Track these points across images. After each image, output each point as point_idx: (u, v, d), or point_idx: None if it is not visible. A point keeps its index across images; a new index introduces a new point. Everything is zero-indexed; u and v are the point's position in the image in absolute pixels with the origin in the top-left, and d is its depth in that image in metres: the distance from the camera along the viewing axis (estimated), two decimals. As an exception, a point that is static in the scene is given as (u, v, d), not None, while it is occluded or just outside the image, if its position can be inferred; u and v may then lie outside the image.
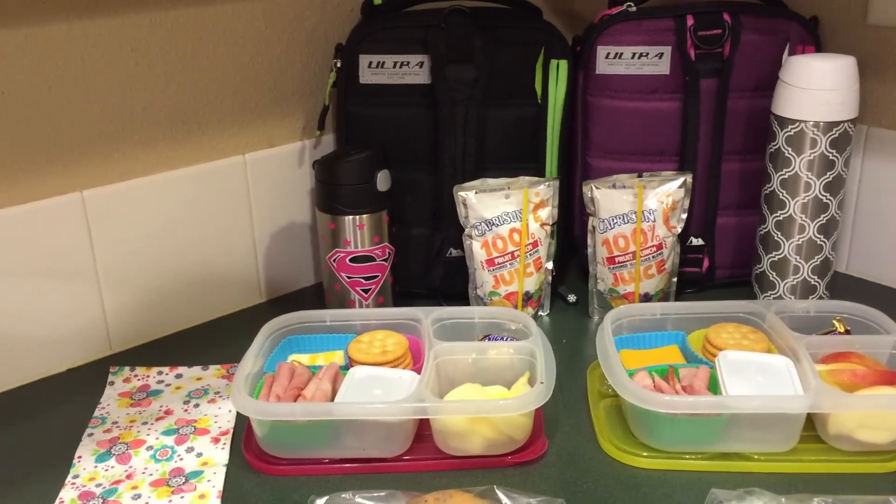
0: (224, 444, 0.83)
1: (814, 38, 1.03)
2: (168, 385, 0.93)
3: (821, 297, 1.02)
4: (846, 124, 0.95)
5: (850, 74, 0.94)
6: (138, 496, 0.76)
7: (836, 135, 0.95)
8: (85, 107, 0.93)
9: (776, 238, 1.01)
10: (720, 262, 1.10)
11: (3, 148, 0.89)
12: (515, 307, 1.03)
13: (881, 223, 1.10)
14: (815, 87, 0.94)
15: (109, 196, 0.96)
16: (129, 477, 0.79)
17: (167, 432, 0.85)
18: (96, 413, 0.88)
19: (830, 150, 0.95)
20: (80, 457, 0.81)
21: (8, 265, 0.90)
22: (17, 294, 0.91)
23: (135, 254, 0.99)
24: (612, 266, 1.03)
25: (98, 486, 0.78)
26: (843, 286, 1.10)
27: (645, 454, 0.79)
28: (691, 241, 1.09)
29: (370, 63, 1.03)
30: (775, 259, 1.02)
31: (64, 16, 0.89)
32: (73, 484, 0.78)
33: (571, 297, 1.09)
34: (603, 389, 0.89)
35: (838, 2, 1.07)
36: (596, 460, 0.80)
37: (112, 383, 0.94)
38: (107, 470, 0.80)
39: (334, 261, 1.00)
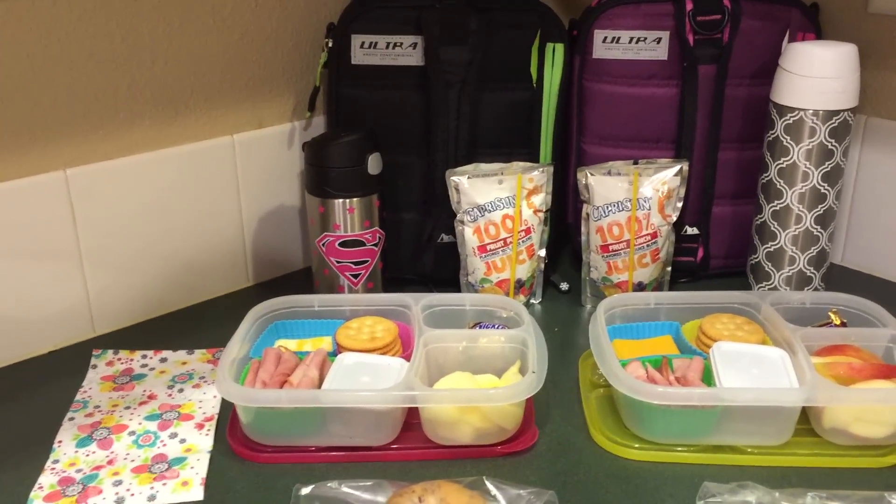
0: (208, 430, 0.81)
1: (814, 26, 1.02)
2: (152, 369, 0.91)
3: (816, 289, 1.01)
4: (846, 113, 0.93)
5: (851, 62, 0.93)
6: (119, 482, 0.74)
7: (836, 124, 0.93)
8: (68, 83, 0.91)
9: (772, 228, 0.99)
10: (715, 252, 1.09)
11: (-17, 124, 0.87)
12: (507, 295, 1.01)
13: (878, 215, 1.09)
14: (816, 75, 0.92)
15: (93, 175, 0.94)
16: (110, 462, 0.77)
17: (150, 417, 0.83)
18: (78, 397, 0.87)
19: (829, 140, 0.94)
20: (60, 441, 0.80)
21: (-12, 244, 0.88)
22: (-3, 274, 0.90)
23: (119, 234, 0.97)
24: (605, 254, 1.02)
25: (78, 471, 0.76)
26: (839, 278, 1.09)
27: (637, 446, 0.78)
28: (686, 230, 1.07)
29: (362, 43, 1.01)
30: (771, 249, 1.00)
31: (47, -11, 0.87)
32: (53, 469, 0.76)
33: (564, 286, 1.08)
34: (595, 379, 0.87)
35: (839, -11, 1.06)
36: (587, 451, 0.79)
37: (95, 366, 0.92)
38: (87, 455, 0.78)
39: (323, 245, 0.99)
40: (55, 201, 0.92)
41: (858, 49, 0.93)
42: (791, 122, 0.94)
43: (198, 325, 1.01)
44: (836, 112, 0.93)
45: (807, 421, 0.79)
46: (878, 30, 1.04)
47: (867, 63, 1.03)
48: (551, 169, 1.01)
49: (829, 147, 0.94)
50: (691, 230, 1.08)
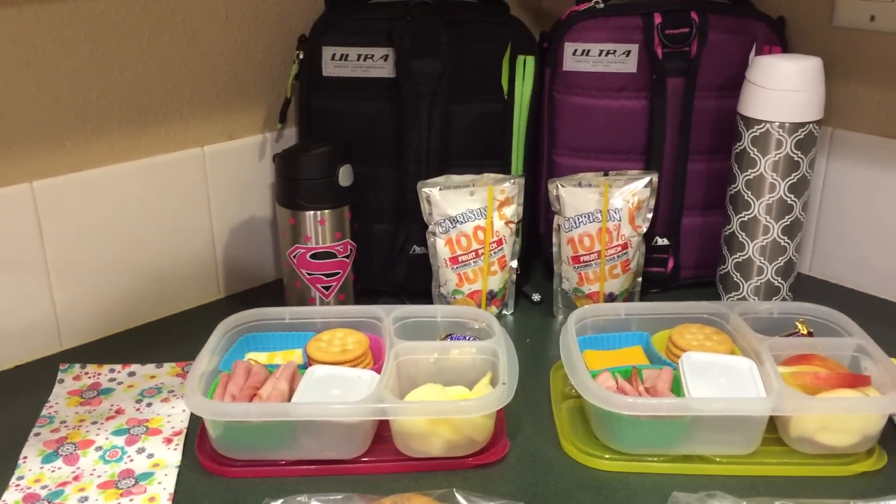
0: (177, 444, 0.80)
1: (780, 39, 1.03)
2: (120, 383, 0.90)
3: (784, 299, 1.02)
4: (811, 125, 0.95)
5: (816, 75, 0.94)
6: (85, 498, 0.73)
7: (802, 136, 0.95)
8: (36, 94, 0.90)
9: (741, 239, 1.00)
10: (685, 263, 1.10)
11: (-53, 136, 0.86)
12: (479, 306, 1.01)
13: (844, 225, 1.10)
14: (781, 88, 0.93)
15: (61, 187, 0.93)
16: (76, 479, 0.76)
17: (117, 432, 0.82)
18: (44, 412, 0.85)
19: (795, 152, 0.95)
20: (25, 457, 0.78)
21: (-48, 258, 0.87)
22: (-39, 288, 0.88)
23: (87, 247, 0.96)
24: (576, 265, 1.02)
25: (43, 487, 0.75)
26: (806, 288, 1.10)
27: (607, 456, 0.78)
28: (656, 241, 1.08)
29: (333, 55, 1.01)
30: (739, 260, 1.01)
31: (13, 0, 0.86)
32: (18, 486, 0.75)
33: (536, 297, 1.08)
34: (566, 390, 0.88)
35: (805, 3, 1.07)
36: (558, 462, 0.79)
37: (61, 381, 0.91)
38: (53, 471, 0.77)
39: (294, 257, 0.98)
40: (21, 214, 0.90)
41: (823, 62, 0.95)
42: (758, 134, 0.95)
43: (167, 338, 1.00)
44: (802, 124, 0.94)
45: (774, 430, 0.80)
46: (842, 43, 1.05)
47: (832, 76, 1.04)
48: (522, 180, 1.02)
49: (796, 159, 0.96)
50: (661, 241, 1.08)
